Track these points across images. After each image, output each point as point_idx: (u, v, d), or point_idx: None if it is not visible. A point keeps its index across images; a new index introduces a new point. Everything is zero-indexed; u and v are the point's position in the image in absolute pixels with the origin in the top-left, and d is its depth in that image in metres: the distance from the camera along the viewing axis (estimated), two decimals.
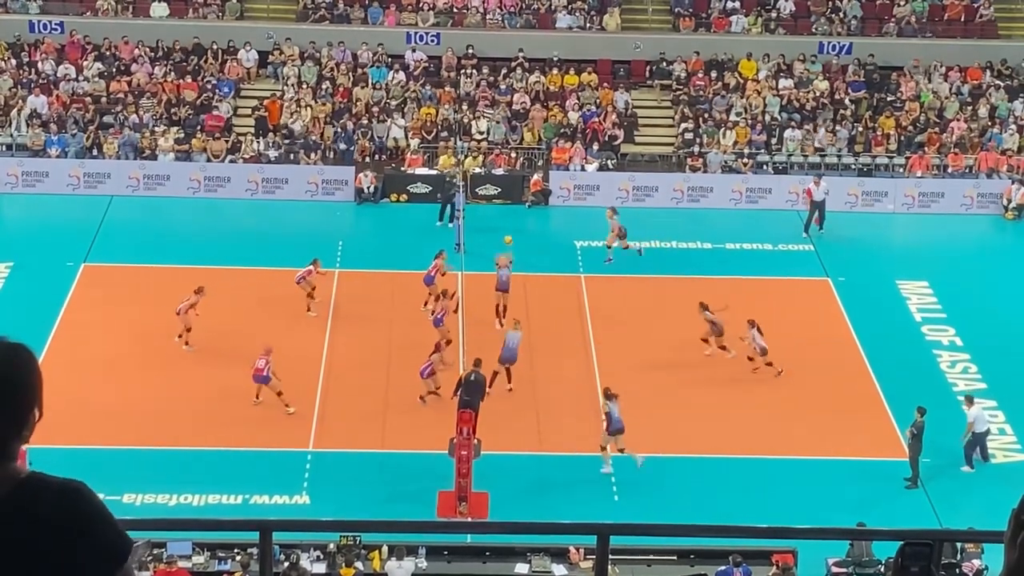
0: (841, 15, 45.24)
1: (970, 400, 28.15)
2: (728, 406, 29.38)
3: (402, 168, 40.58)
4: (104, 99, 42.27)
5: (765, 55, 43.99)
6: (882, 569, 23.12)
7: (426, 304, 32.04)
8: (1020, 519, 3.71)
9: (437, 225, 37.70)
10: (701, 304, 30.82)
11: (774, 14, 45.46)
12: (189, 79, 42.90)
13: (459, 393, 26.74)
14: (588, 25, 45.18)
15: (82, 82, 42.58)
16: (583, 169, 40.64)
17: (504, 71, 43.47)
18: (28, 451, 24.76)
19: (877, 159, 41.52)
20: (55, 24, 44.11)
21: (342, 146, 40.70)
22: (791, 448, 28.17)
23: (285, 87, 42.83)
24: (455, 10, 45.18)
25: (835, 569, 23.42)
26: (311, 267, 32.64)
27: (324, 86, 42.82)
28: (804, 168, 41.06)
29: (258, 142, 40.86)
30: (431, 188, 39.49)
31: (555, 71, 43.75)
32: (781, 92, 43.07)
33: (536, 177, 39.96)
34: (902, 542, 4.82)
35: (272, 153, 40.47)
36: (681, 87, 43.62)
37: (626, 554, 22.23)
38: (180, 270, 33.73)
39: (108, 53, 43.52)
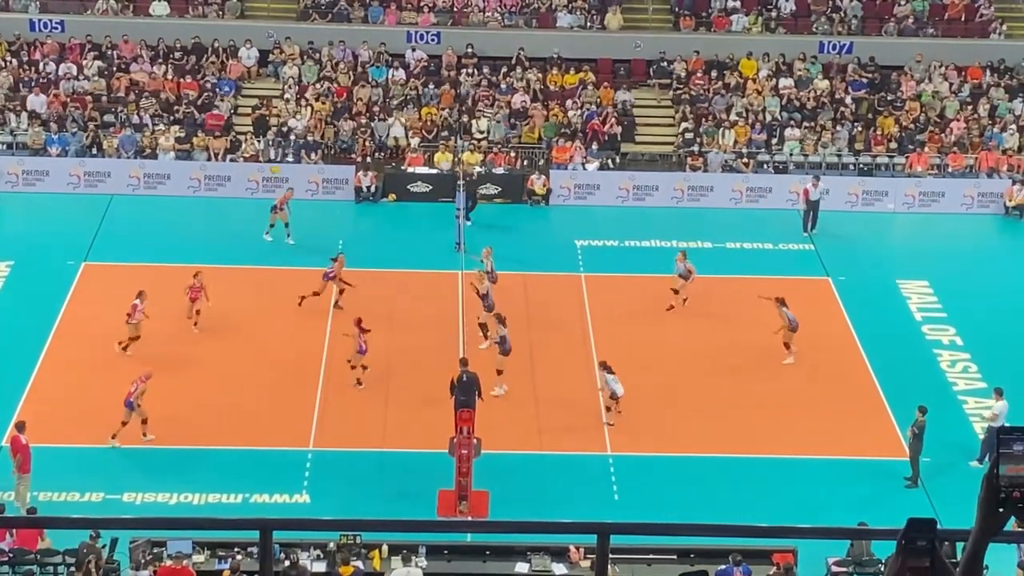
0: (841, 14, 45.22)
1: (999, 392, 27.54)
2: (728, 405, 29.37)
3: (402, 167, 40.58)
4: (104, 98, 42.26)
5: (765, 54, 43.97)
6: (882, 568, 23.10)
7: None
8: (991, 482, 4.45)
9: (467, 225, 36.38)
10: (497, 316, 30.05)
11: (774, 13, 45.44)
12: (189, 78, 42.88)
13: (455, 394, 26.67)
14: (589, 24, 45.17)
15: (82, 81, 42.57)
16: (584, 168, 40.63)
17: (504, 70, 43.45)
18: (32, 450, 24.81)
19: (878, 158, 41.51)
20: (55, 23, 44.12)
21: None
22: (791, 447, 28.16)
23: (285, 86, 42.82)
24: (456, 9, 45.17)
25: (835, 568, 23.40)
26: (335, 265, 32.76)
27: (324, 85, 42.78)
28: (804, 168, 41.04)
29: (258, 141, 40.85)
30: (431, 187, 39.46)
31: (555, 70, 43.73)
32: (781, 91, 43.06)
33: (532, 177, 39.79)
34: (908, 518, 4.80)
35: (273, 151, 40.48)
36: (681, 86, 43.60)
37: (626, 553, 22.23)
38: (181, 269, 33.67)
39: (108, 52, 43.53)
